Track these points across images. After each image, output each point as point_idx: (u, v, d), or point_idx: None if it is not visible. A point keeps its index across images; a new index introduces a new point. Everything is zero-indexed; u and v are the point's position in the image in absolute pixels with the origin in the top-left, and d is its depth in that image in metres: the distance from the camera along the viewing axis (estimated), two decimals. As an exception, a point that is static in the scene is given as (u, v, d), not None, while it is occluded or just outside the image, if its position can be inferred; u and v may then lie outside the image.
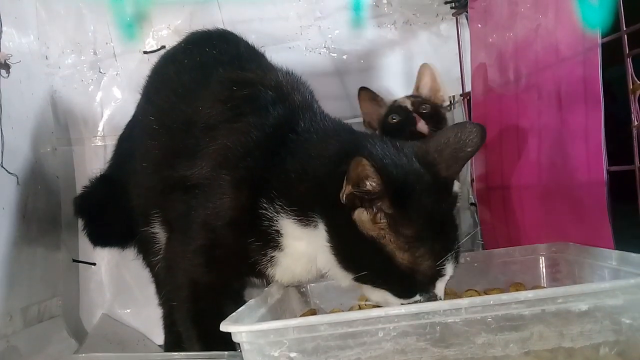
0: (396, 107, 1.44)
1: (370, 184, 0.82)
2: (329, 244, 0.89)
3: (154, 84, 1.28)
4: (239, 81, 1.09)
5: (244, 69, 1.13)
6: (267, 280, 1.04)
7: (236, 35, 1.28)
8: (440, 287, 0.87)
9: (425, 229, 0.84)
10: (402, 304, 0.85)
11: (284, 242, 0.95)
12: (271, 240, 0.95)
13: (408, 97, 1.47)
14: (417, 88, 1.50)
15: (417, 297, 0.86)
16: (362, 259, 0.87)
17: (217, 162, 1.01)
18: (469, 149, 0.92)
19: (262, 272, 0.99)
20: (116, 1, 1.58)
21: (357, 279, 0.87)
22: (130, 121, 1.38)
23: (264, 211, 0.94)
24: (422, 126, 1.38)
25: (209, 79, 1.11)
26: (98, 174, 1.45)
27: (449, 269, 0.87)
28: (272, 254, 0.97)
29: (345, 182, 0.83)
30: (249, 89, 1.06)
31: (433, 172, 0.89)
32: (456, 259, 0.89)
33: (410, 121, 1.38)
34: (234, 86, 1.08)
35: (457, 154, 0.91)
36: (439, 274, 0.86)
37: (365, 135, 1.06)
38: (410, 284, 0.86)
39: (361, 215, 0.85)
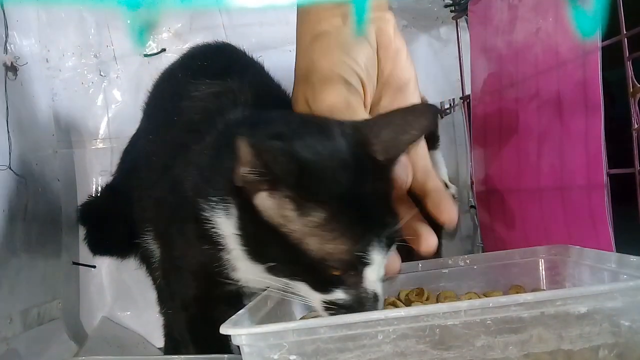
0: None
1: (262, 167, 0.75)
2: (237, 233, 0.84)
3: (152, 99, 1.29)
4: (204, 94, 1.07)
5: (223, 81, 1.10)
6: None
7: (232, 48, 1.28)
8: (371, 278, 0.78)
9: (339, 211, 0.77)
10: (322, 300, 0.79)
11: (227, 243, 0.90)
12: (217, 243, 0.91)
13: None
14: None
15: (339, 294, 0.78)
16: (269, 249, 0.81)
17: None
18: (414, 132, 0.86)
19: (230, 278, 0.95)
20: (130, 7, 1.58)
21: (268, 271, 0.82)
22: (134, 135, 1.39)
23: (202, 212, 0.90)
24: None
25: (190, 94, 1.10)
26: (104, 184, 1.46)
27: (377, 256, 0.78)
28: (227, 257, 0.92)
29: (236, 164, 0.78)
30: (208, 102, 1.05)
31: (366, 152, 0.83)
32: (388, 246, 0.79)
33: None
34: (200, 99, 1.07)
35: (399, 135, 0.84)
36: (360, 261, 0.77)
37: (285, 114, 0.99)
38: (325, 275, 0.78)
39: (264, 201, 0.79)
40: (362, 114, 0.92)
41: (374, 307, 0.79)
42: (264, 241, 0.82)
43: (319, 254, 0.77)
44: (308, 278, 0.80)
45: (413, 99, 1.00)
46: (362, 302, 0.78)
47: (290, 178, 0.76)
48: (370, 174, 0.82)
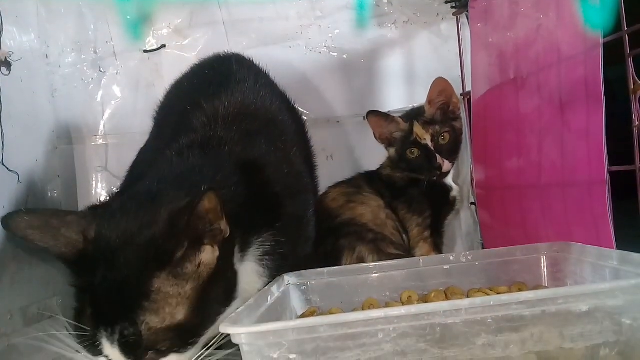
0: (414, 142, 1.41)
1: None
2: None
3: (160, 110, 1.29)
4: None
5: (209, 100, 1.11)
6: None
7: (231, 61, 1.27)
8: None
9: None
10: None
11: None
12: None
13: (424, 123, 1.41)
14: (429, 101, 1.42)
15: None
16: None
17: None
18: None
19: None
20: (122, 1, 1.58)
21: None
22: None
23: None
24: (447, 167, 1.39)
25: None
26: (114, 192, 1.46)
27: (108, 349, 0.80)
28: None
29: None
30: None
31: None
32: (124, 345, 0.79)
33: (432, 162, 1.38)
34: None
35: None
36: (93, 345, 0.82)
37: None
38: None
39: None
40: None
41: None
42: None
43: None
44: None
45: None
46: None
47: None
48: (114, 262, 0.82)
